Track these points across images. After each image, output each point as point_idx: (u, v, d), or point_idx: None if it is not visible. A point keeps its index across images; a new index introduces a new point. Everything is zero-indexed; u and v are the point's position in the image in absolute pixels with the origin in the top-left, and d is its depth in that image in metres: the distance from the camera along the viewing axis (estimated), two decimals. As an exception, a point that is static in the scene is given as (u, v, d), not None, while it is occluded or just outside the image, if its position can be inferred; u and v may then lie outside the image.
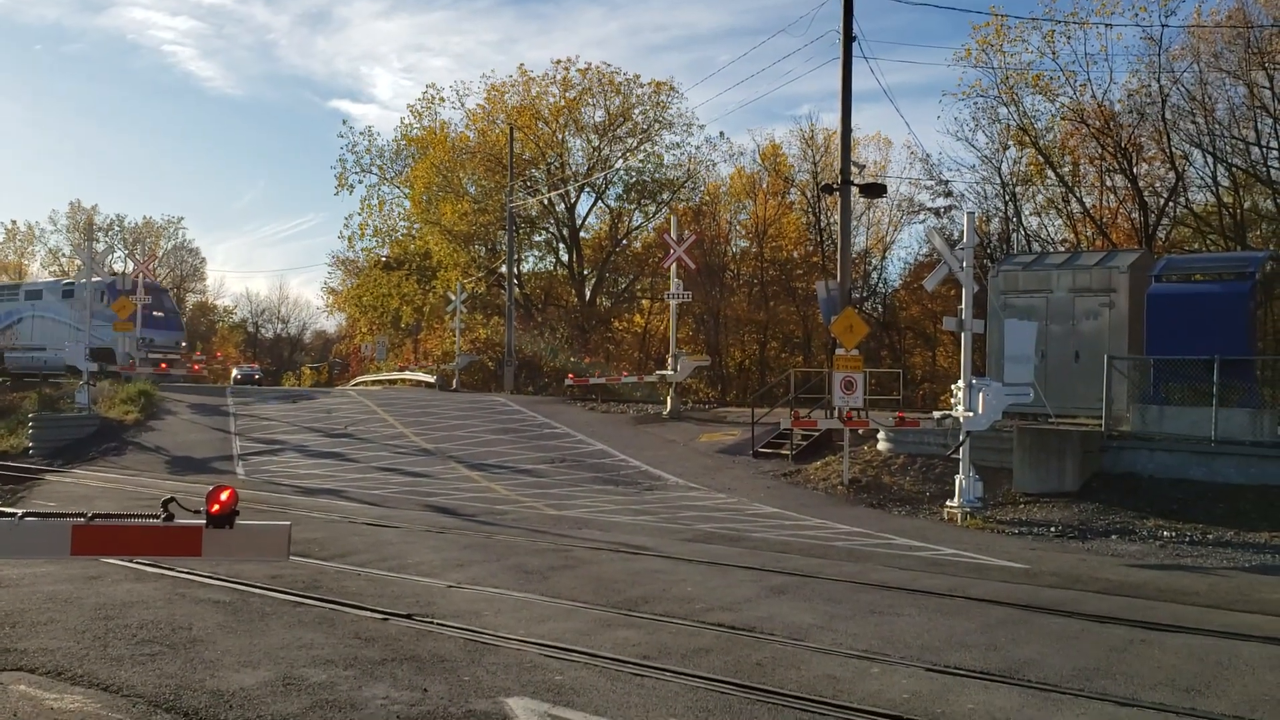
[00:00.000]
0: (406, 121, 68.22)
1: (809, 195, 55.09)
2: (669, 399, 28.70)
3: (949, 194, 49.95)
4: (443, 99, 63.02)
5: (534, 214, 58.88)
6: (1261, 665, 8.43)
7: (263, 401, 34.54)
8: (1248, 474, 17.17)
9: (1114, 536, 15.92)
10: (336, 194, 74.75)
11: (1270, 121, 40.10)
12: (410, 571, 11.55)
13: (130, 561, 10.80)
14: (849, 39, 24.75)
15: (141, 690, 6.94)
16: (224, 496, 5.20)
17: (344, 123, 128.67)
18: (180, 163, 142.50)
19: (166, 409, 32.02)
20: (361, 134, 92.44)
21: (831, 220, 50.92)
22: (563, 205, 59.07)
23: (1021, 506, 17.81)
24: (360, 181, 64.11)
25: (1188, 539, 15.56)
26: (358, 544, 13.47)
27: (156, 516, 5.25)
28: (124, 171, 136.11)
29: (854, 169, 26.05)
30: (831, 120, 68.36)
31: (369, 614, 9.32)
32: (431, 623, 9.02)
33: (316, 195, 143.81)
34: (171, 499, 5.34)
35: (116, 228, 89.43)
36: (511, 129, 53.44)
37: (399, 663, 7.70)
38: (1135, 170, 43.29)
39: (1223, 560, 14.26)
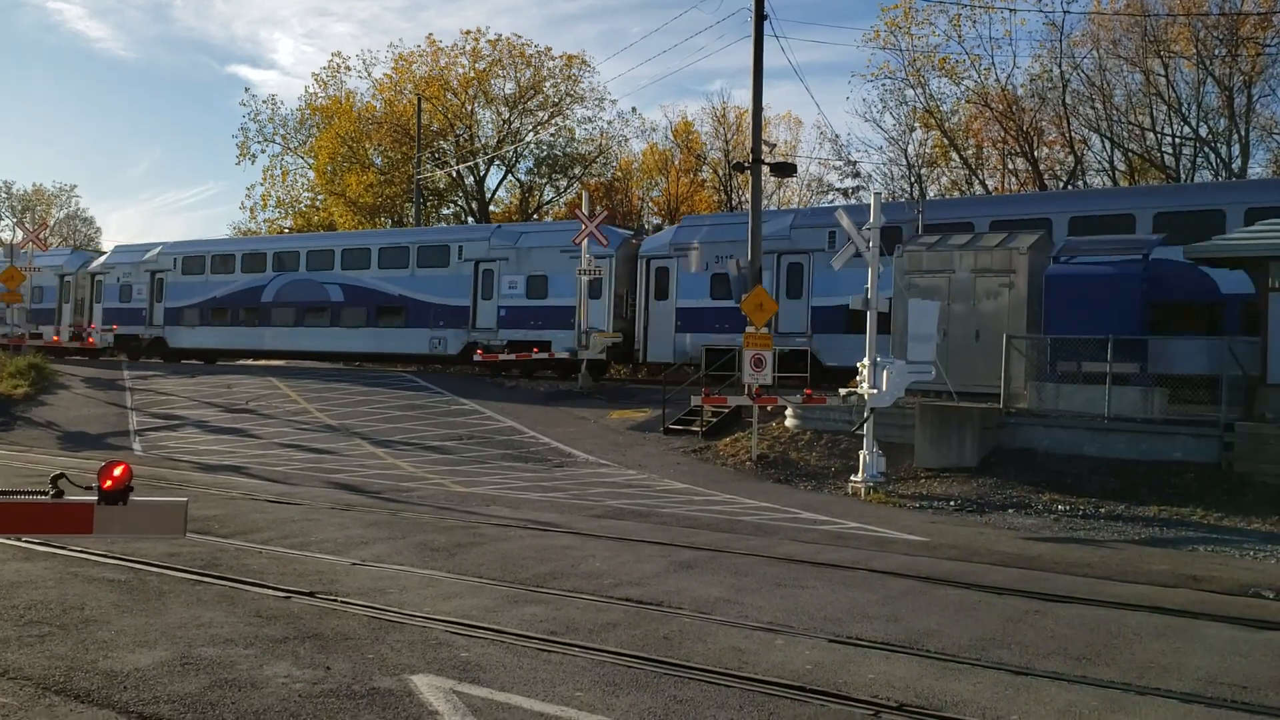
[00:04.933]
0: (311, 90, 66.87)
1: (721, 173, 55.46)
2: (580, 376, 28.66)
3: (857, 174, 50.91)
4: (349, 68, 62.45)
5: (442, 186, 58.24)
6: (1148, 634, 8.75)
7: (161, 376, 33.65)
8: (1139, 450, 17.78)
9: (1011, 510, 16.36)
10: (238, 164, 72.95)
11: (1165, 109, 41.44)
12: (313, 549, 11.37)
13: (18, 540, 10.43)
14: (760, 17, 24.83)
15: (29, 672, 6.71)
16: (117, 472, 5.03)
17: (246, 90, 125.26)
18: (71, 128, 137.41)
19: (59, 383, 30.98)
20: (265, 102, 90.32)
21: (743, 198, 51.29)
22: (472, 178, 58.49)
23: (923, 481, 18.20)
24: (263, 151, 62.77)
25: (1081, 513, 16.06)
26: (259, 521, 13.20)
27: (45, 493, 5.06)
28: (11, 136, 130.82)
29: (765, 148, 26.18)
30: (743, 97, 68.92)
31: (270, 592, 9.15)
32: (335, 600, 8.89)
33: (216, 164, 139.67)
34: (61, 475, 5.16)
35: (4, 194, 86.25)
36: (419, 100, 52.69)
37: (301, 641, 7.58)
38: (1036, 154, 44.44)
39: (1114, 533, 14.75)
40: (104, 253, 44.40)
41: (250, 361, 39.73)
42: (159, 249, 41.84)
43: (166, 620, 8.04)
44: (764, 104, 25.67)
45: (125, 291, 41.64)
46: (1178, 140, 42.00)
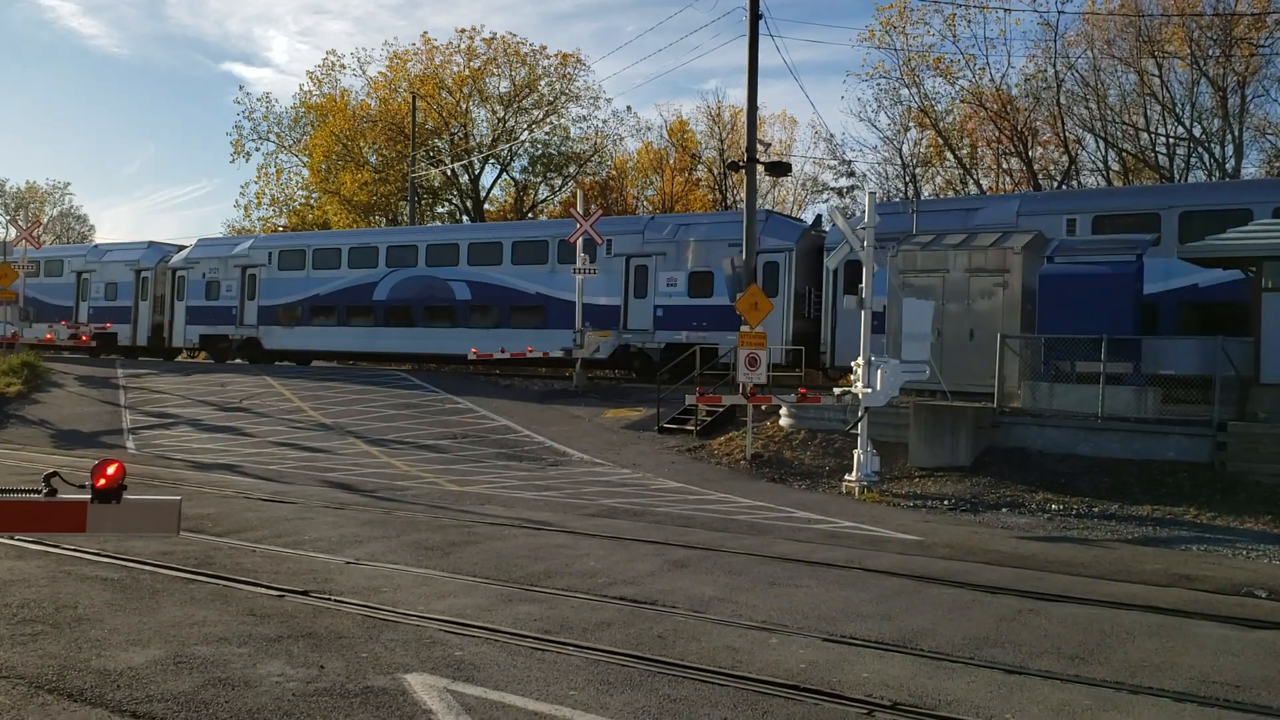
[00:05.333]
0: (306, 89, 66.90)
1: (715, 172, 55.50)
2: (575, 375, 28.64)
3: (851, 174, 50.95)
4: (344, 66, 62.30)
5: (437, 185, 58.21)
6: (1141, 633, 8.77)
7: (155, 374, 33.58)
8: (1132, 449, 17.81)
9: (1004, 509, 16.38)
10: (233, 161, 73.10)
11: (1158, 108, 41.53)
12: (307, 548, 11.36)
13: (11, 539, 10.40)
14: (755, 16, 24.84)
15: (22, 671, 6.69)
16: (111, 470, 5.02)
17: (240, 88, 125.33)
18: (65, 125, 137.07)
19: (53, 381, 30.92)
20: (259, 100, 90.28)
21: (737, 198, 51.29)
22: (466, 177, 58.47)
23: (917, 480, 18.22)
24: (257, 149, 62.57)
25: (1074, 512, 16.08)
26: (253, 520, 13.19)
27: (38, 491, 5.05)
28: (4, 133, 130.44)
29: (760, 147, 26.20)
30: (738, 96, 69.18)
31: (264, 590, 9.14)
32: (329, 599, 8.88)
33: (210, 161, 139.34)
34: (54, 473, 5.15)
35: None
36: (414, 98, 52.66)
37: (295, 639, 7.57)
38: (1030, 153, 44.49)
39: (1107, 532, 14.77)
40: (183, 246, 42.41)
41: (356, 365, 37.64)
42: (250, 242, 39.78)
43: (160, 619, 8.03)
44: (759, 103, 25.72)
45: (212, 288, 39.01)
46: (1171, 140, 42.09)
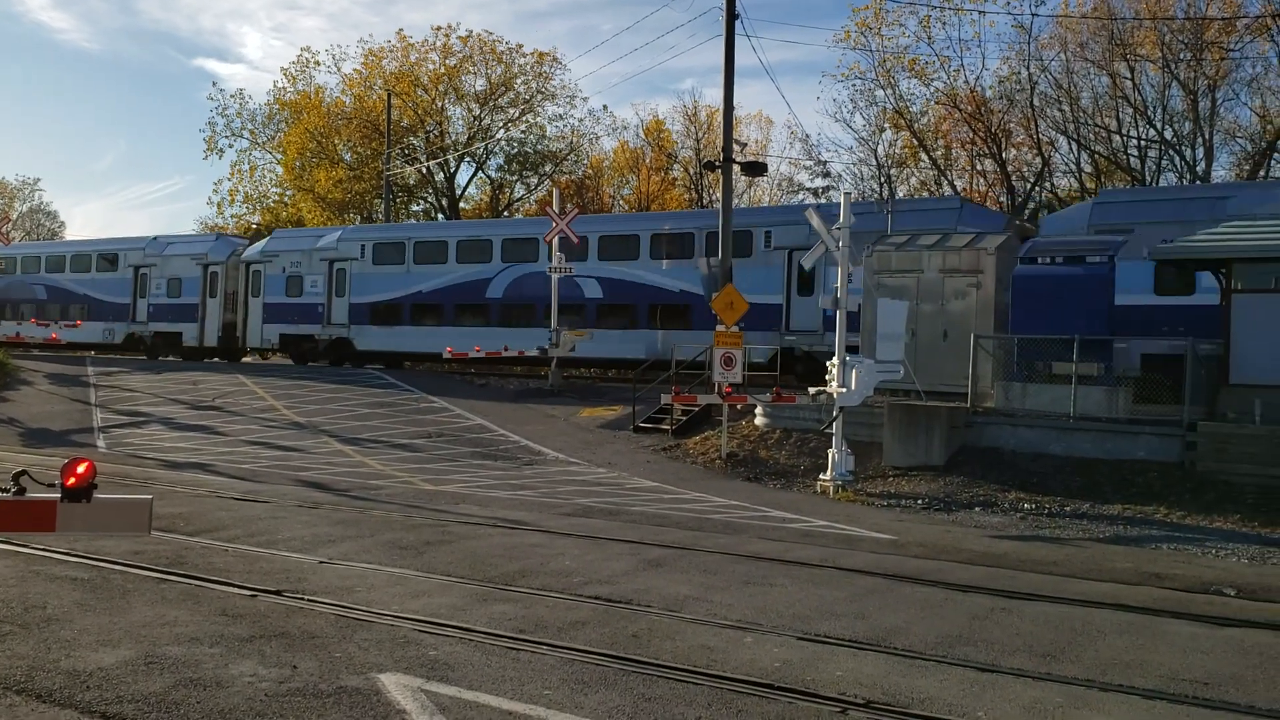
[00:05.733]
0: (280, 85, 66.43)
1: (692, 172, 55.56)
2: (550, 374, 28.58)
3: (827, 174, 51.10)
4: (318, 63, 62.11)
5: (412, 183, 57.99)
6: (1112, 631, 8.84)
7: (126, 372, 33.29)
8: (1103, 449, 17.95)
9: (977, 509, 16.47)
10: (206, 158, 72.60)
11: (1130, 111, 41.87)
12: (280, 547, 11.29)
13: (-20, 538, 10.29)
14: (731, 16, 24.86)
15: (-10, 672, 6.63)
16: (81, 469, 4.98)
17: (214, 84, 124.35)
18: (35, 120, 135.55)
19: (22, 379, 30.64)
20: (233, 96, 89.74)
21: (714, 197, 51.35)
22: (442, 175, 58.29)
23: (891, 479, 18.29)
24: (231, 146, 62.14)
25: (1046, 511, 16.19)
26: (225, 519, 13.10)
27: (6, 490, 5.00)
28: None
29: (736, 147, 26.22)
30: (714, 95, 69.40)
31: (236, 590, 9.08)
32: (302, 599, 8.83)
33: (183, 158, 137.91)
34: (23, 472, 5.10)
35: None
36: (390, 95, 52.45)
37: (267, 639, 7.52)
38: (1004, 155, 44.76)
39: (1079, 531, 14.88)
40: (249, 240, 40.53)
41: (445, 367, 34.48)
42: (338, 234, 36.82)
43: (130, 619, 7.96)
44: (735, 103, 25.74)
45: (293, 284, 35.93)
46: (1143, 143, 42.43)
